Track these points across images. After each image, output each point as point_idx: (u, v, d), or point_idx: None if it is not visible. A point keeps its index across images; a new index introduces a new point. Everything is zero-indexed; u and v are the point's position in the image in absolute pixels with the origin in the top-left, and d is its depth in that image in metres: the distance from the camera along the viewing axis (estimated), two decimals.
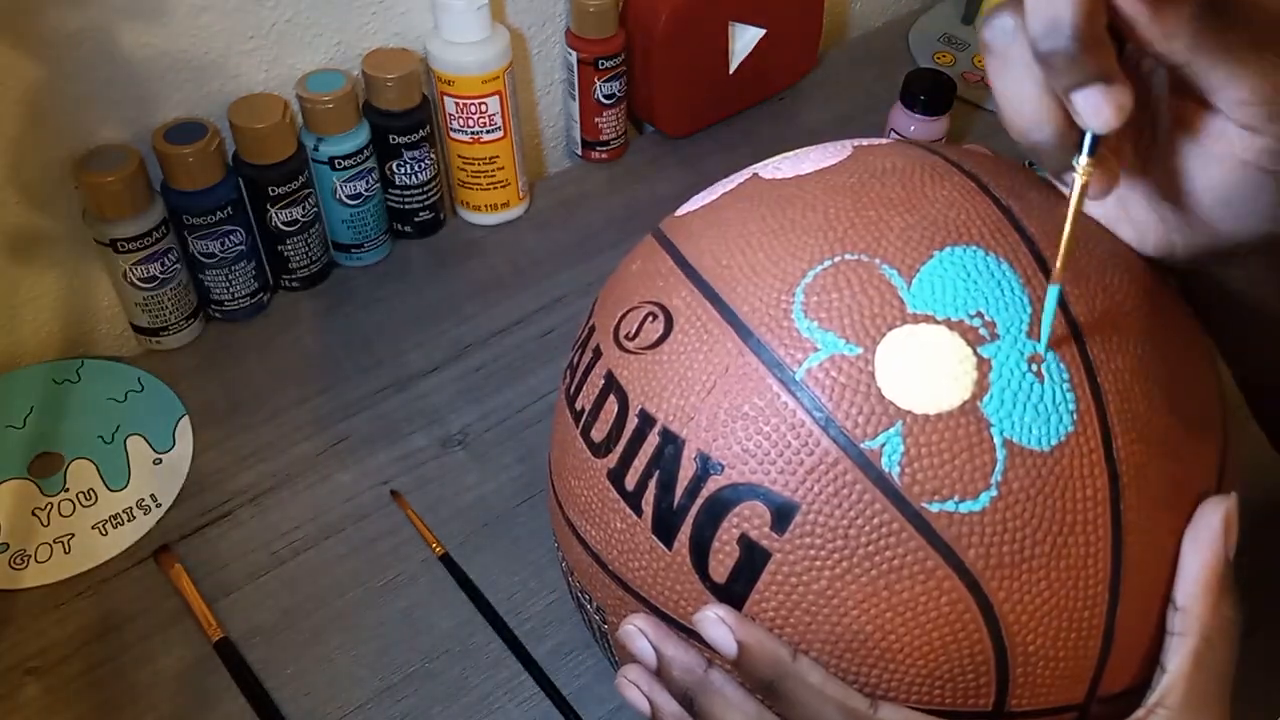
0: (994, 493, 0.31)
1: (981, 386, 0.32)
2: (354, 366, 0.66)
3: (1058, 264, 0.31)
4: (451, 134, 0.71)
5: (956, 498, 0.31)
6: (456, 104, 0.69)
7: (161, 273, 0.63)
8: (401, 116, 0.68)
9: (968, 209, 0.35)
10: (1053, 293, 0.31)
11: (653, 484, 0.35)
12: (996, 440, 0.31)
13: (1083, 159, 0.31)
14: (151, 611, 0.54)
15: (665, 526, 0.34)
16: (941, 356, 0.32)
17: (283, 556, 0.56)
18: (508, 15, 0.74)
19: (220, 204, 0.63)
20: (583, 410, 0.38)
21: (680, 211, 0.41)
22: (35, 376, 0.64)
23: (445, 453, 0.61)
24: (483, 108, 0.69)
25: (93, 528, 0.57)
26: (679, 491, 0.34)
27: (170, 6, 0.60)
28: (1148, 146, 0.35)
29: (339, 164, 0.67)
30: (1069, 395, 0.32)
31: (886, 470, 0.31)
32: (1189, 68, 0.29)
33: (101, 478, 0.59)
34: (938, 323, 0.32)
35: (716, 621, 0.33)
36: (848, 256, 0.34)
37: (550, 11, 0.76)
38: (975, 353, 0.32)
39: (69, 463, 0.60)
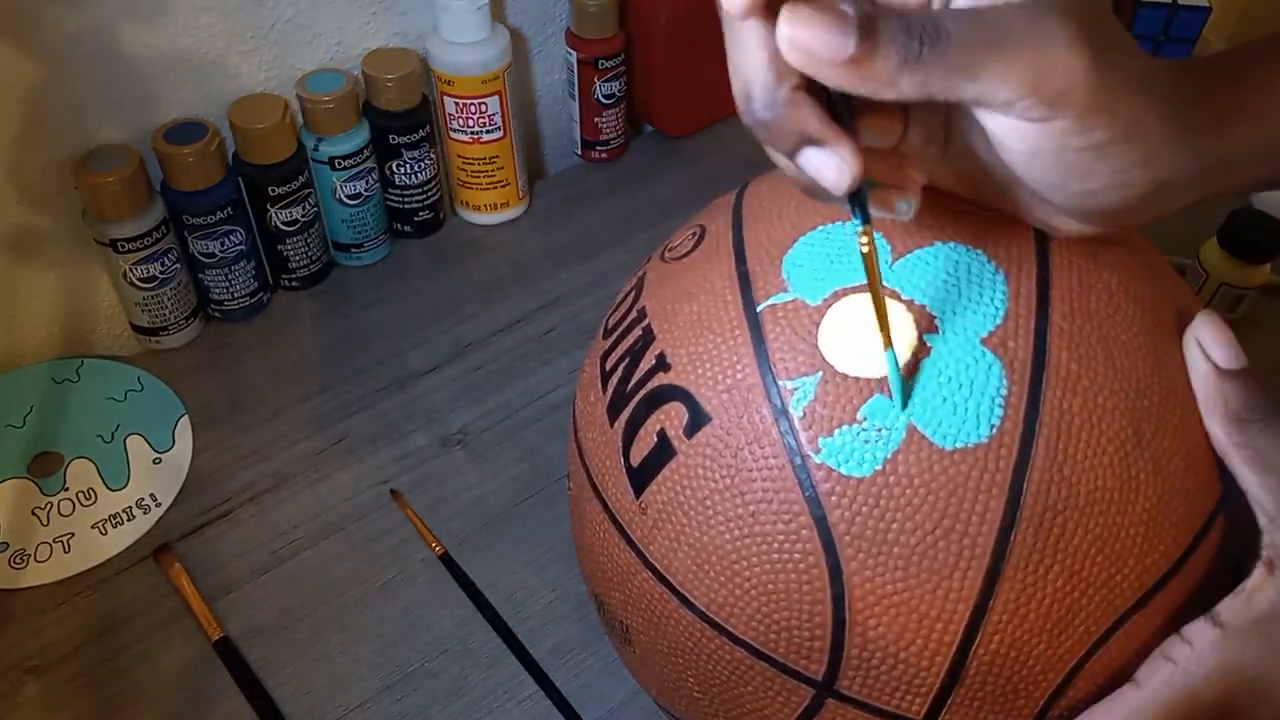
0: (879, 466, 0.31)
1: (909, 369, 0.32)
2: (353, 366, 0.66)
3: (883, 334, 0.31)
4: (451, 134, 0.71)
5: (842, 457, 0.31)
6: (456, 104, 0.69)
7: (161, 272, 0.63)
8: (401, 116, 0.68)
9: (996, 218, 0.34)
10: (889, 357, 0.31)
11: (621, 368, 0.37)
12: (901, 421, 0.31)
13: (860, 227, 0.29)
14: (151, 611, 0.54)
15: (615, 408, 0.37)
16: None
17: (282, 556, 0.56)
18: (508, 15, 0.74)
19: (220, 204, 0.63)
20: (612, 320, 0.41)
21: None
22: (35, 376, 0.64)
23: (445, 452, 0.61)
24: (483, 107, 0.69)
25: (92, 527, 0.57)
26: (634, 379, 0.36)
27: (170, 6, 0.60)
28: (952, 140, 0.32)
29: (339, 164, 0.67)
30: (997, 409, 0.31)
31: (791, 410, 0.32)
32: (935, 98, 0.26)
33: (101, 477, 0.59)
34: (900, 300, 0.33)
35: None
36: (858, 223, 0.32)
37: (550, 11, 0.76)
38: (920, 337, 0.32)
39: (69, 462, 0.60)
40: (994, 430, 0.31)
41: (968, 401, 0.31)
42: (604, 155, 0.80)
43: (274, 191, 0.65)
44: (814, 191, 0.29)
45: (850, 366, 0.32)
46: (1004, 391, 0.31)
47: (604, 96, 0.77)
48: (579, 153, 0.81)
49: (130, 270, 0.62)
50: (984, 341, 0.32)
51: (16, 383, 0.64)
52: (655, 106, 0.80)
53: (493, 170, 0.72)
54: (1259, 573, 0.32)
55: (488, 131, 0.70)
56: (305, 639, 0.53)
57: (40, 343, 0.66)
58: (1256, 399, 0.33)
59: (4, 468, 0.59)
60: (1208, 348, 0.33)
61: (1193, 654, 0.31)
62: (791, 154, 0.28)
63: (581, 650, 0.52)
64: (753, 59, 0.27)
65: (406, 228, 0.74)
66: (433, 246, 0.74)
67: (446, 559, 0.56)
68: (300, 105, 0.65)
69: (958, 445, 0.31)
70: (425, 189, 0.72)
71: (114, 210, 0.60)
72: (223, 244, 0.64)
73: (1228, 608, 0.32)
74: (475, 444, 0.61)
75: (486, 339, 0.67)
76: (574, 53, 0.75)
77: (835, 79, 0.26)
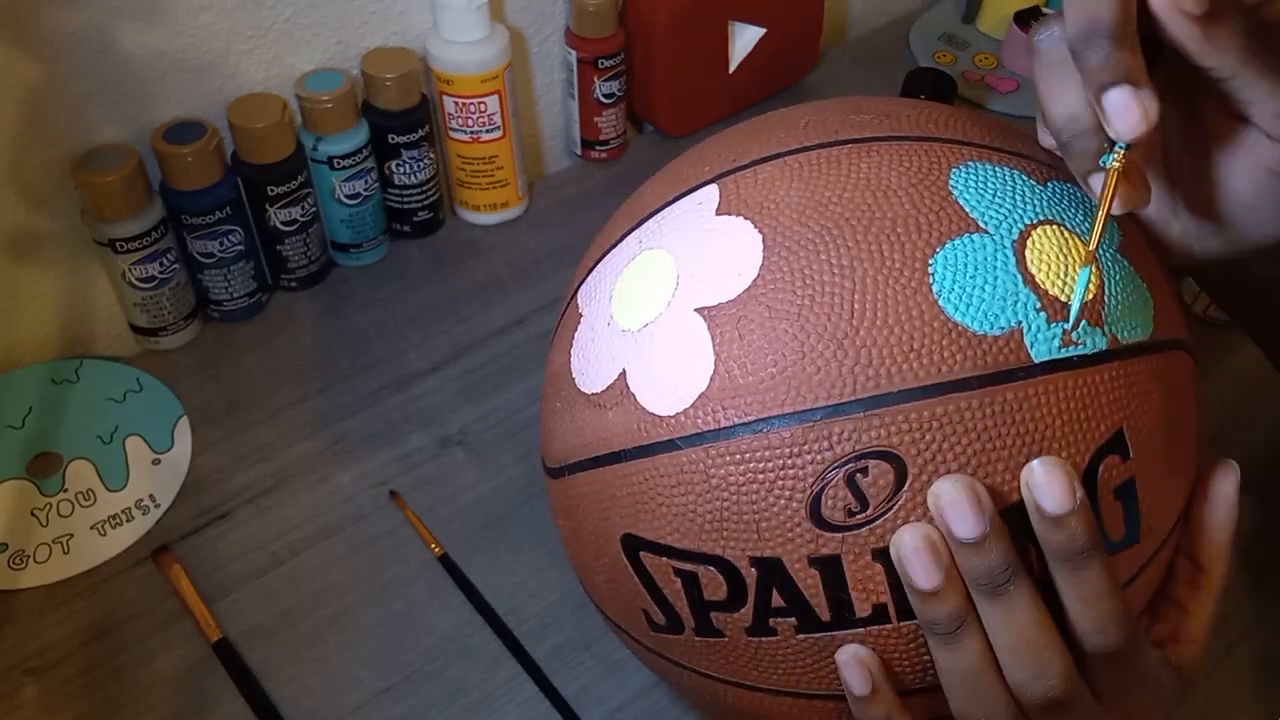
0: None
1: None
2: (353, 366, 0.66)
3: (1092, 244, 0.32)
4: (450, 133, 0.71)
5: None
6: (456, 103, 0.69)
7: (160, 273, 0.63)
8: (400, 116, 0.68)
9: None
10: (1084, 274, 0.32)
11: None
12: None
13: (1118, 150, 0.32)
14: (150, 612, 0.54)
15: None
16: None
17: (281, 557, 0.56)
18: (507, 14, 0.74)
19: (219, 204, 0.62)
20: None
21: (673, 407, 0.35)
22: (34, 376, 0.64)
23: (444, 453, 0.61)
24: (482, 107, 0.69)
25: (91, 528, 0.57)
26: None
27: (169, 6, 0.60)
28: (1177, 160, 0.37)
29: (338, 163, 0.66)
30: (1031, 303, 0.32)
31: None
32: (1231, 81, 0.31)
33: (100, 478, 0.59)
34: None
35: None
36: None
37: (550, 11, 0.76)
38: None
39: (67, 463, 0.60)
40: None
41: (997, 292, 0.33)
42: (603, 155, 0.80)
43: (273, 191, 0.65)
44: (1074, 131, 0.32)
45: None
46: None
47: (603, 96, 0.77)
48: (578, 152, 0.81)
49: (129, 270, 0.62)
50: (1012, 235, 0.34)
51: (15, 383, 0.64)
52: (655, 106, 0.79)
53: (492, 170, 0.72)
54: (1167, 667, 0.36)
55: (487, 131, 0.70)
56: (304, 640, 0.53)
57: (39, 343, 0.66)
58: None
59: (3, 468, 0.59)
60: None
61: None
62: (1104, 88, 0.31)
63: (581, 652, 0.52)
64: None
65: (405, 228, 0.73)
66: (432, 246, 0.74)
67: (446, 560, 0.56)
68: (299, 105, 0.65)
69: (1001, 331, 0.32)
70: (424, 189, 0.72)
71: (113, 210, 0.60)
72: (221, 244, 0.64)
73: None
74: (475, 445, 0.61)
75: (486, 339, 0.67)
76: (573, 52, 0.75)
77: (1179, 28, 0.30)
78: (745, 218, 0.34)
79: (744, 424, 0.32)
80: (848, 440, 0.31)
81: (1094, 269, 0.33)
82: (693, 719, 0.50)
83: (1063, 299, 0.32)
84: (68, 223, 0.62)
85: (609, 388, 0.36)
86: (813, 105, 0.39)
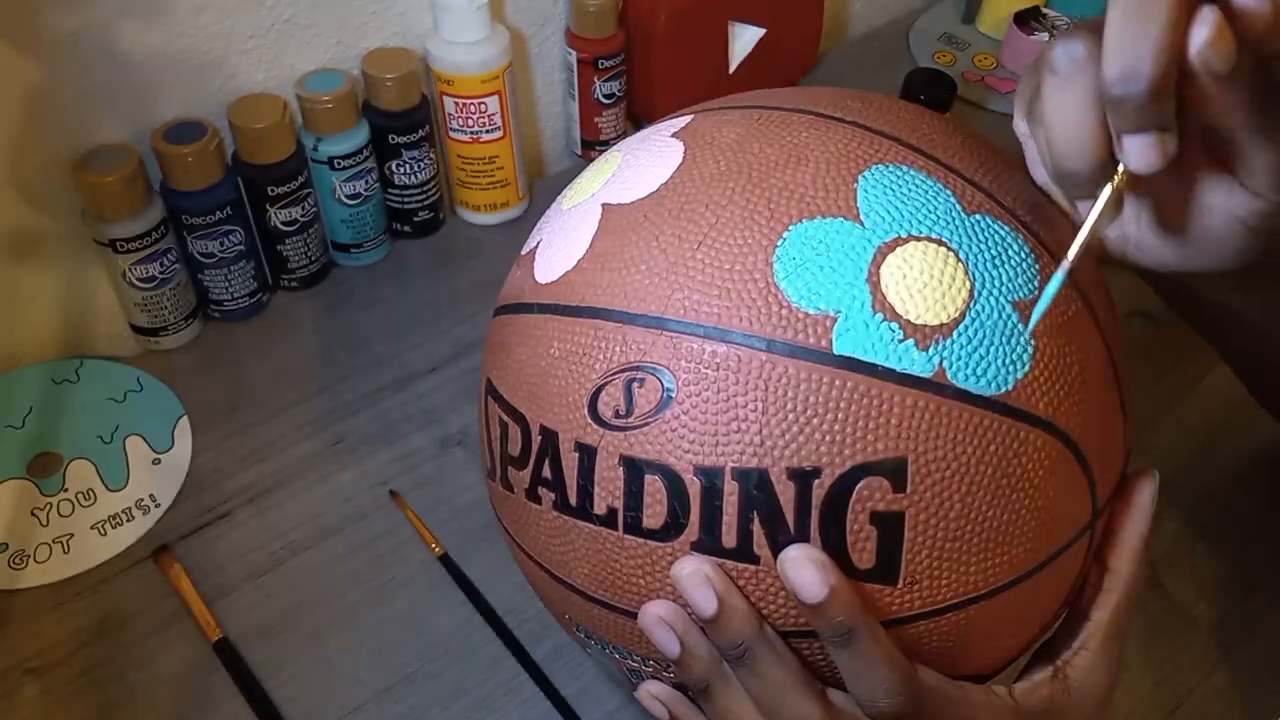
0: None
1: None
2: (353, 366, 0.66)
3: (1071, 252, 0.32)
4: (451, 134, 0.71)
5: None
6: (456, 104, 0.69)
7: (160, 273, 0.63)
8: (401, 116, 0.68)
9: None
10: (1057, 278, 0.32)
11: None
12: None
13: (1122, 168, 0.32)
14: (151, 612, 0.54)
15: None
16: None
17: (282, 557, 0.56)
18: (507, 15, 0.74)
19: (219, 204, 0.62)
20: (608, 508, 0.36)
21: (547, 277, 0.37)
22: (34, 376, 0.64)
23: (444, 453, 0.61)
24: (482, 107, 0.69)
25: (92, 528, 0.57)
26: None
27: (169, 6, 0.60)
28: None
29: (338, 164, 0.66)
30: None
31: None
32: (1232, 133, 0.31)
33: (100, 478, 0.59)
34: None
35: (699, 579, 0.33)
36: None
37: (550, 11, 0.76)
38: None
39: (68, 463, 0.60)
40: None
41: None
42: None
43: (273, 191, 0.65)
44: (1079, 160, 0.32)
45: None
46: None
47: (604, 96, 0.77)
48: (579, 152, 0.81)
49: (130, 270, 0.62)
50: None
51: (16, 383, 0.64)
52: (655, 106, 0.79)
53: (492, 170, 0.72)
54: (1046, 672, 0.37)
55: (487, 131, 0.70)
56: (305, 640, 0.53)
57: (40, 343, 0.66)
58: None
59: (3, 468, 0.59)
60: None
61: (1000, 705, 0.36)
62: (1130, 132, 0.30)
63: (582, 652, 0.52)
64: (1155, 41, 0.29)
65: (406, 228, 0.74)
66: (432, 246, 0.74)
67: (446, 560, 0.56)
68: (299, 105, 0.65)
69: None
70: (425, 189, 0.72)
71: (113, 210, 0.60)
72: (222, 244, 0.64)
73: (1019, 688, 0.37)
74: (475, 445, 0.61)
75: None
76: (574, 52, 0.75)
77: (1209, 85, 0.30)
78: (684, 143, 0.37)
79: (577, 306, 0.35)
80: (636, 349, 0.33)
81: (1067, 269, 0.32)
82: None
83: (903, 314, 0.32)
84: (68, 223, 0.62)
85: (528, 251, 0.40)
86: (831, 89, 0.40)
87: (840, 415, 0.31)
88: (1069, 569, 0.36)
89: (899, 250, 0.32)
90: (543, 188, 0.78)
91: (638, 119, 0.83)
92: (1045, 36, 0.88)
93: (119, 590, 0.55)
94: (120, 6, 0.59)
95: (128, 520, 0.57)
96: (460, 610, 0.54)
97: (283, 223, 0.66)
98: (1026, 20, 0.89)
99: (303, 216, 0.67)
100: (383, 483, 0.59)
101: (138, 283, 0.62)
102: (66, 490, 0.58)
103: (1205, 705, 0.51)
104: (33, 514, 0.57)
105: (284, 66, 0.66)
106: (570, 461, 0.34)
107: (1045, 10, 0.90)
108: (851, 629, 0.32)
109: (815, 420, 0.31)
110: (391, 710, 0.50)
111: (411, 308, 0.69)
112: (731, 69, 0.81)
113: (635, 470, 0.33)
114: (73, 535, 0.56)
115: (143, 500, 0.58)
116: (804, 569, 0.31)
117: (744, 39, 0.81)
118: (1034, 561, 0.34)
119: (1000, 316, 0.32)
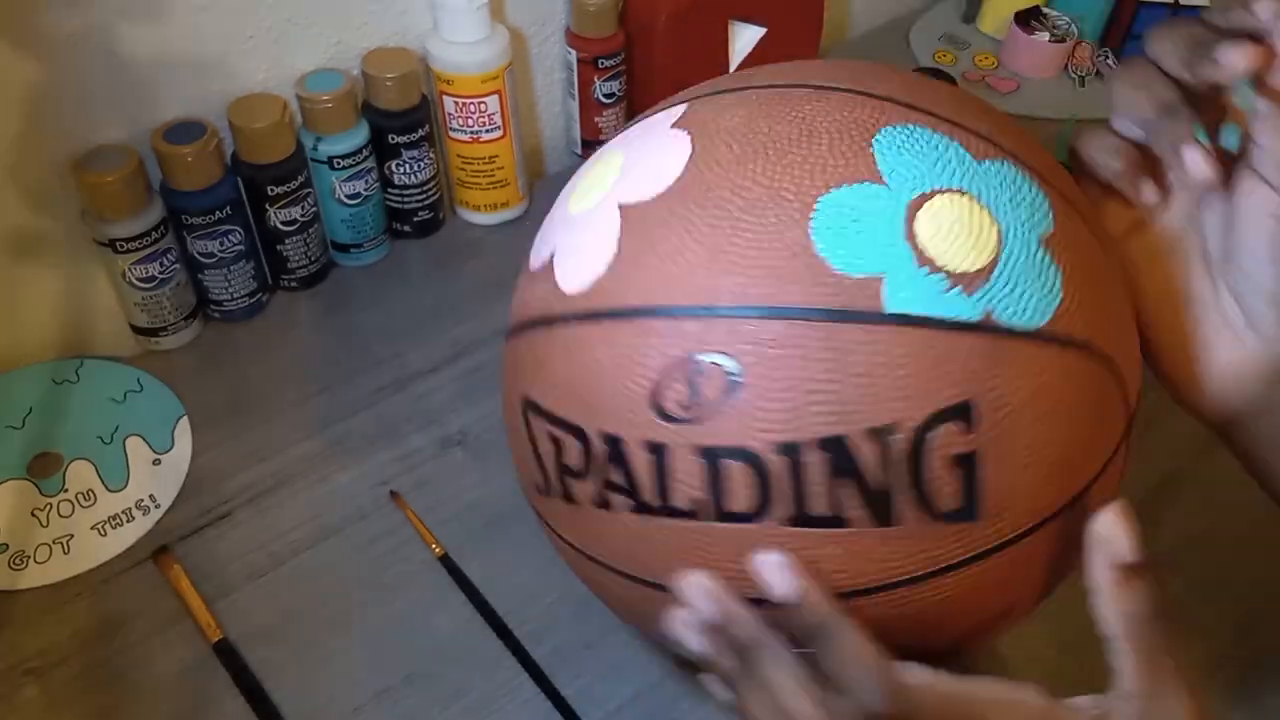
0: None
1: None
2: (353, 366, 0.66)
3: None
4: (451, 133, 0.71)
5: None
6: (456, 103, 0.69)
7: (160, 273, 0.63)
8: (400, 116, 0.68)
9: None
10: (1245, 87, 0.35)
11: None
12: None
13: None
14: (150, 612, 0.54)
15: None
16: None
17: (282, 557, 0.56)
18: (507, 14, 0.74)
19: (219, 204, 0.62)
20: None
21: (575, 286, 0.37)
22: (34, 376, 0.64)
23: (444, 453, 0.61)
24: (482, 107, 0.69)
25: (92, 528, 0.57)
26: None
27: (169, 6, 0.60)
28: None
29: (338, 163, 0.66)
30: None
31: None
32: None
33: (100, 478, 0.59)
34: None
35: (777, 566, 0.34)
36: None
37: (550, 11, 0.76)
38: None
39: (68, 463, 0.60)
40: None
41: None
42: None
43: (273, 191, 0.65)
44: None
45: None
46: None
47: (604, 96, 0.77)
48: (579, 152, 0.81)
49: (129, 270, 0.62)
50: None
51: (16, 383, 0.64)
52: (655, 106, 0.79)
53: (492, 170, 0.72)
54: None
55: (487, 131, 0.70)
56: (305, 641, 0.53)
57: (39, 343, 0.66)
58: (1154, 593, 0.34)
59: (3, 468, 0.59)
60: (1116, 542, 0.34)
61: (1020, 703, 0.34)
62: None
63: (581, 652, 0.52)
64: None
65: (406, 228, 0.73)
66: (432, 246, 0.74)
67: (446, 560, 0.56)
68: (299, 105, 0.65)
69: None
70: (424, 189, 0.72)
71: (113, 210, 0.60)
72: (222, 244, 0.64)
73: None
74: (475, 445, 0.61)
75: (486, 339, 0.67)
76: (573, 52, 0.75)
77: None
78: (689, 133, 0.37)
79: (617, 309, 0.35)
80: (693, 340, 0.33)
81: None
82: (694, 718, 0.50)
83: (945, 265, 0.33)
84: (68, 223, 0.62)
85: (543, 264, 0.39)
86: (815, 62, 0.41)
87: (905, 371, 0.32)
88: (1115, 474, 0.38)
89: (926, 206, 0.33)
90: (543, 187, 0.78)
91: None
92: (1046, 37, 0.88)
93: (119, 591, 0.54)
94: (120, 6, 0.59)
95: (128, 521, 0.57)
96: (460, 611, 0.54)
97: (282, 223, 0.66)
98: (1027, 20, 0.89)
99: (302, 216, 0.67)
100: (383, 483, 0.59)
101: (137, 283, 0.62)
102: (66, 491, 0.58)
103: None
104: (33, 514, 0.57)
105: (284, 66, 0.66)
106: (641, 462, 0.35)
107: (1046, 10, 0.90)
108: (820, 626, 0.33)
109: (884, 379, 0.32)
110: (391, 711, 0.50)
111: (411, 308, 0.69)
112: (732, 68, 0.81)
113: (713, 459, 0.33)
114: (73, 536, 0.56)
115: (143, 501, 0.58)
116: (773, 570, 0.33)
117: (744, 38, 0.81)
118: (1090, 475, 0.36)
119: (1029, 253, 0.34)
